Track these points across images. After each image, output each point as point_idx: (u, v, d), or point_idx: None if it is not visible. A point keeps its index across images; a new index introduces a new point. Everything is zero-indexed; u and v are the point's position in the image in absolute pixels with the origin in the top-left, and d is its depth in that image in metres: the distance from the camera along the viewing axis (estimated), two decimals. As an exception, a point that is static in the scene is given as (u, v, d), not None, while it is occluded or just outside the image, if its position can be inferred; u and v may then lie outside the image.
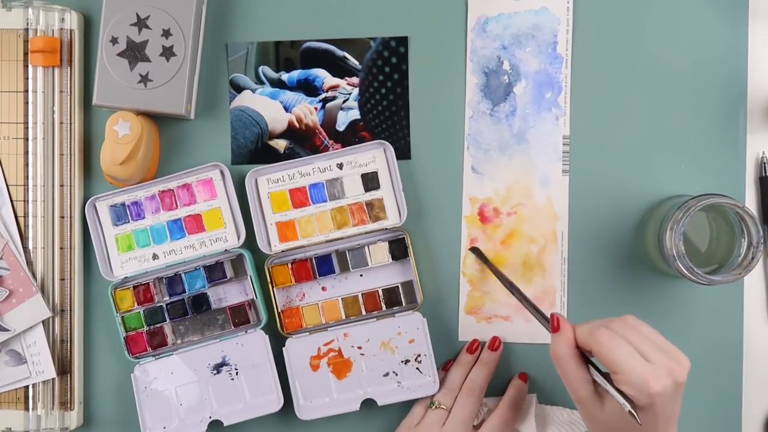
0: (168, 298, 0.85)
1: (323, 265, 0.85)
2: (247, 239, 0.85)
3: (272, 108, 0.87)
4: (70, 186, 0.85)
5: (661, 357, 0.66)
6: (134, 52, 0.82)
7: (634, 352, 0.66)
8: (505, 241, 0.86)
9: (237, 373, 0.84)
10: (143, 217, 0.85)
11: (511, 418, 0.82)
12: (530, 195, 0.86)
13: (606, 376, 0.68)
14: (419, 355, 0.84)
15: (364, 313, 0.86)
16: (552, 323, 0.71)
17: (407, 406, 0.85)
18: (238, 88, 0.87)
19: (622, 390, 0.66)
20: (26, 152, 0.84)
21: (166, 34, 0.82)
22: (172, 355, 0.85)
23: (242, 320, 0.85)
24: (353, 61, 0.87)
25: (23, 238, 0.84)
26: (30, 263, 0.84)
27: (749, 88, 0.86)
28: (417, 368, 0.84)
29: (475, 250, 0.85)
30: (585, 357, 0.70)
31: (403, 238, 0.85)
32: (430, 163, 0.87)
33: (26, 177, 0.85)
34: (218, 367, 0.85)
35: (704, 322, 0.85)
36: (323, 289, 0.86)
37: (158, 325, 0.85)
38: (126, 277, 0.85)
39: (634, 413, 0.65)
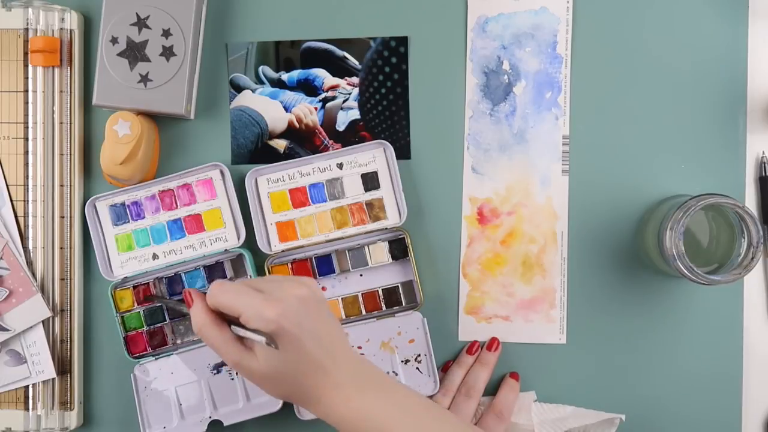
0: (168, 298, 0.85)
1: (323, 265, 0.85)
2: (247, 239, 0.85)
3: (272, 108, 0.87)
4: (70, 186, 0.85)
5: (274, 285, 0.68)
6: (134, 52, 0.82)
7: (246, 289, 0.67)
8: (505, 241, 0.86)
9: (237, 373, 0.84)
10: (143, 217, 0.85)
11: (505, 414, 0.82)
12: (530, 195, 0.86)
13: (236, 324, 0.69)
14: (419, 355, 0.84)
15: (364, 313, 0.86)
16: (186, 300, 0.72)
17: (407, 406, 0.85)
18: (238, 88, 0.87)
19: (252, 328, 0.66)
20: (26, 152, 0.84)
21: (166, 34, 0.82)
22: (172, 355, 0.85)
23: (242, 320, 0.85)
24: (353, 61, 0.87)
25: (23, 238, 0.84)
26: (30, 263, 0.84)
27: (749, 88, 0.86)
28: (417, 368, 0.84)
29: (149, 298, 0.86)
30: (225, 321, 0.70)
31: (403, 238, 0.85)
32: (430, 163, 0.87)
33: (26, 177, 0.85)
34: (218, 367, 0.85)
35: (704, 322, 0.85)
36: (323, 289, 0.86)
37: (158, 325, 0.85)
38: (126, 277, 0.85)
39: (266, 338, 0.65)
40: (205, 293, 0.71)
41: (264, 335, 0.66)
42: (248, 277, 0.84)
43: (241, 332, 0.68)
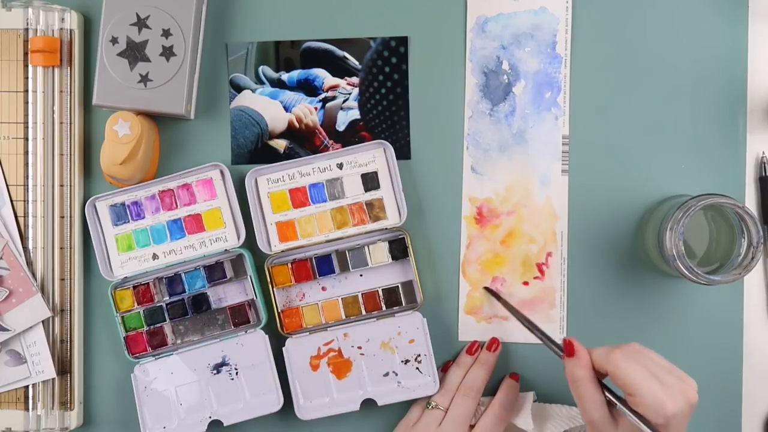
0: (168, 298, 0.85)
1: (323, 265, 0.85)
2: (247, 239, 0.85)
3: (272, 108, 0.87)
4: (70, 186, 0.85)
5: (673, 379, 0.68)
6: (134, 52, 0.82)
7: (649, 374, 0.68)
8: (504, 241, 0.86)
9: (237, 373, 0.84)
10: (143, 217, 0.85)
11: (505, 415, 0.82)
12: (530, 195, 0.86)
13: (619, 399, 0.70)
14: (419, 355, 0.84)
15: (364, 313, 0.86)
16: (566, 348, 0.73)
17: (407, 406, 0.85)
18: (238, 88, 0.87)
19: (639, 410, 0.68)
20: (26, 152, 0.85)
21: (166, 34, 0.82)
22: (172, 355, 0.85)
23: (242, 320, 0.85)
24: (353, 61, 0.87)
25: (23, 238, 0.85)
26: (30, 263, 0.84)
27: (749, 88, 0.86)
28: (417, 368, 0.84)
29: (488, 290, 0.86)
30: (599, 380, 0.72)
31: (403, 238, 0.85)
32: (430, 163, 0.87)
33: (26, 177, 0.85)
34: (218, 367, 0.85)
35: (704, 322, 0.85)
36: (323, 289, 0.86)
37: (158, 325, 0.85)
38: (126, 277, 0.85)
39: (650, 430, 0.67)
40: (583, 346, 0.72)
41: (647, 425, 0.67)
42: (248, 277, 0.84)
43: (626, 412, 0.69)
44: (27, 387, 0.85)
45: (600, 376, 0.72)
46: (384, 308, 0.86)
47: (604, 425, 0.70)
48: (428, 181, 0.87)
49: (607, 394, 0.71)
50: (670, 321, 0.86)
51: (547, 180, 0.86)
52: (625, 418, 0.69)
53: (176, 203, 0.85)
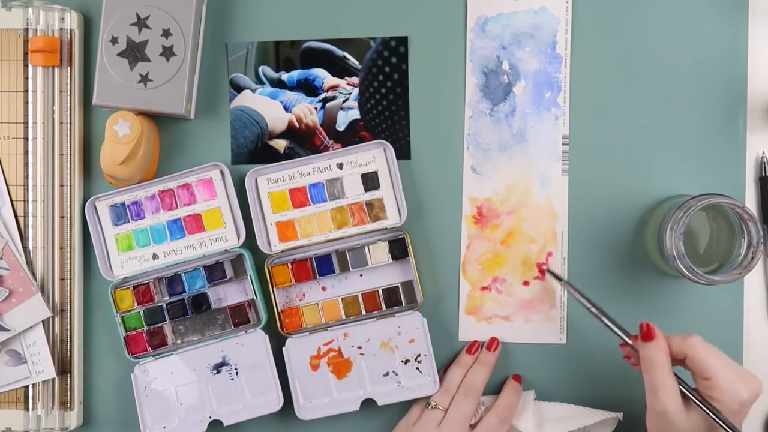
0: (168, 298, 0.85)
1: (323, 265, 0.85)
2: (247, 239, 0.85)
3: (272, 108, 0.87)
4: (70, 186, 0.85)
5: (743, 370, 0.70)
6: (134, 52, 0.82)
7: (726, 360, 0.70)
8: (504, 241, 0.86)
9: (237, 373, 0.84)
10: (143, 217, 0.85)
11: (507, 417, 0.82)
12: (530, 195, 0.86)
13: (691, 391, 0.71)
14: (419, 355, 0.84)
15: (364, 313, 0.86)
16: (646, 333, 0.72)
17: (407, 406, 0.85)
18: (238, 88, 0.87)
19: (712, 396, 0.69)
20: (26, 152, 0.85)
21: (166, 34, 0.82)
22: (172, 355, 0.85)
23: (242, 320, 0.85)
24: (353, 61, 0.87)
25: (23, 238, 0.85)
26: (30, 263, 0.84)
27: (749, 88, 0.86)
28: (417, 368, 0.84)
29: (549, 272, 0.86)
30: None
31: (403, 238, 0.85)
32: (430, 163, 0.87)
33: (26, 177, 0.85)
34: (218, 367, 0.85)
35: (704, 322, 0.85)
36: (323, 288, 0.86)
37: (158, 325, 0.85)
38: (126, 277, 0.85)
39: (732, 428, 0.68)
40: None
41: (720, 417, 0.68)
42: (248, 277, 0.84)
43: (696, 399, 0.70)
44: (27, 387, 0.85)
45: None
46: (384, 308, 0.86)
47: (677, 415, 0.70)
48: (428, 181, 0.87)
49: (682, 386, 0.71)
50: (670, 321, 0.85)
51: (547, 180, 0.86)
52: (695, 408, 0.70)
53: (176, 203, 0.85)
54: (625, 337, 0.76)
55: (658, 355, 0.72)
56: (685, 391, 0.71)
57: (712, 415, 0.69)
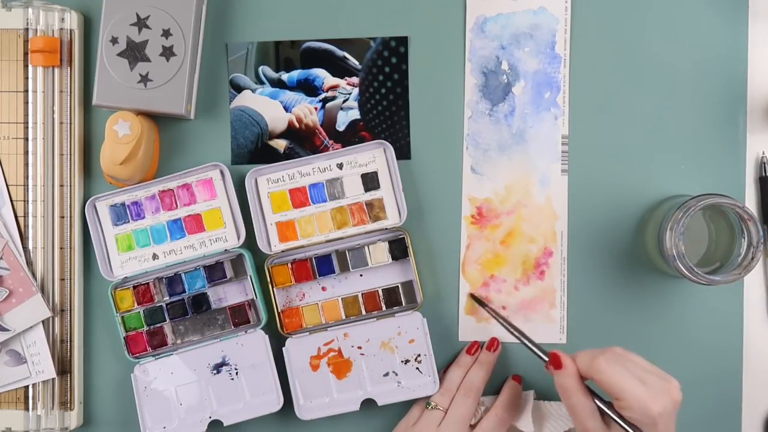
0: (168, 298, 0.85)
1: (323, 265, 0.85)
2: (247, 239, 0.85)
3: (272, 108, 0.87)
4: (70, 186, 0.85)
5: (656, 379, 0.70)
6: (134, 52, 0.82)
7: (632, 377, 0.69)
8: (504, 241, 0.86)
9: (237, 373, 0.84)
10: (143, 217, 0.85)
11: (506, 417, 0.82)
12: (529, 195, 0.86)
13: (608, 405, 0.72)
14: (419, 355, 0.84)
15: (364, 313, 0.86)
16: (554, 362, 0.74)
17: (407, 406, 0.85)
18: (238, 88, 0.87)
19: (625, 415, 0.69)
20: (26, 152, 0.85)
21: (166, 34, 0.82)
22: (172, 355, 0.85)
23: (242, 320, 0.85)
24: (353, 61, 0.87)
25: (23, 238, 0.85)
26: (30, 263, 0.84)
27: (749, 88, 0.86)
28: (417, 368, 0.84)
29: (473, 297, 0.87)
30: (588, 388, 0.73)
31: (403, 238, 0.85)
32: (430, 163, 0.87)
33: (26, 177, 0.85)
34: (218, 367, 0.85)
35: (704, 322, 0.85)
36: (323, 289, 0.86)
37: (158, 325, 0.85)
38: (126, 277, 0.85)
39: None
40: (569, 356, 0.74)
41: (631, 427, 0.69)
42: (248, 277, 0.84)
43: (615, 419, 0.70)
44: (27, 387, 0.85)
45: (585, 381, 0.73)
46: (384, 308, 0.86)
47: None
48: (428, 181, 0.87)
49: (597, 402, 0.72)
50: (670, 321, 0.86)
51: (547, 180, 0.86)
52: (615, 425, 0.71)
53: (176, 203, 0.85)
54: (543, 358, 0.76)
55: (566, 381, 0.73)
56: (603, 408, 0.72)
57: (627, 428, 0.69)
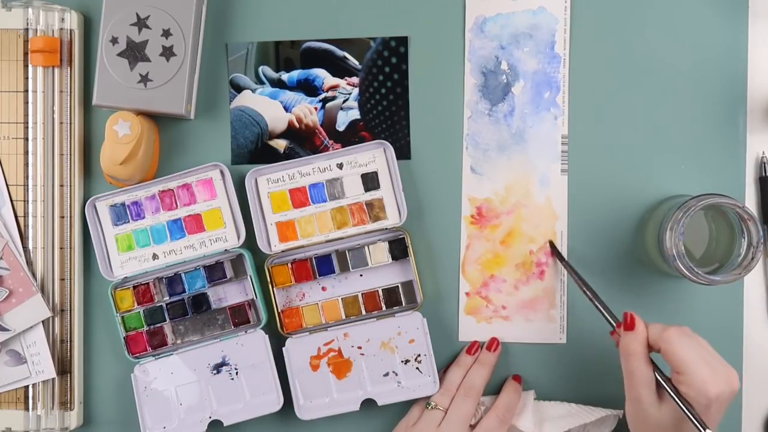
0: (168, 298, 0.85)
1: (323, 265, 0.85)
2: (247, 239, 0.85)
3: (272, 108, 0.87)
4: (70, 186, 0.85)
5: (719, 365, 0.70)
6: (134, 52, 0.82)
7: (699, 355, 0.70)
8: (504, 241, 0.86)
9: (237, 373, 0.84)
10: (143, 217, 0.85)
11: (506, 417, 0.82)
12: (529, 195, 0.86)
13: (665, 379, 0.71)
14: (419, 355, 0.84)
15: (364, 313, 0.86)
16: (626, 321, 0.74)
17: (407, 406, 0.85)
18: (238, 88, 0.87)
19: (681, 390, 0.69)
20: (26, 152, 0.85)
21: (166, 34, 0.82)
22: (172, 355, 0.85)
23: (242, 320, 0.85)
24: (353, 61, 0.87)
25: (23, 238, 0.85)
26: (30, 263, 0.84)
27: (749, 88, 0.86)
28: (417, 368, 0.84)
29: (552, 245, 0.86)
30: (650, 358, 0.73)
31: (403, 238, 0.85)
32: (430, 163, 0.87)
33: (26, 177, 0.85)
34: (218, 367, 0.85)
35: (704, 322, 0.85)
36: (323, 289, 0.86)
37: (158, 325, 0.85)
38: (126, 277, 0.85)
39: (700, 423, 0.68)
40: (642, 321, 0.74)
41: (685, 404, 0.69)
42: (248, 277, 0.84)
43: (669, 389, 0.70)
44: (27, 387, 0.85)
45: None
46: (384, 308, 0.86)
47: (649, 404, 0.72)
48: (428, 181, 0.87)
49: (657, 374, 0.72)
50: (670, 321, 0.85)
51: (547, 180, 0.86)
52: (668, 399, 0.70)
53: (176, 203, 0.85)
54: (612, 322, 0.77)
55: (633, 345, 0.72)
56: (660, 380, 0.71)
57: (682, 407, 0.69)
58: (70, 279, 0.85)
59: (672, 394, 0.70)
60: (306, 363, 0.85)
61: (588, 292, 0.80)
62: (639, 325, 0.73)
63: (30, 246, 0.85)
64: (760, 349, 0.86)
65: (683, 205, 0.76)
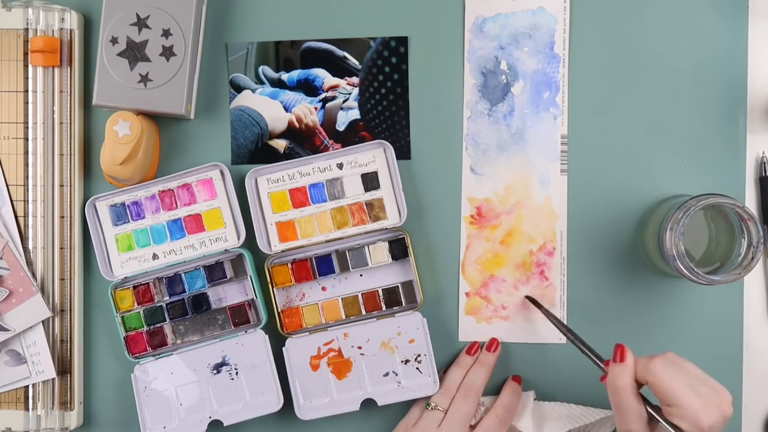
0: (168, 298, 0.85)
1: (323, 265, 0.85)
2: (247, 239, 0.85)
3: (272, 108, 0.87)
4: (70, 186, 0.85)
5: (709, 391, 0.68)
6: (134, 52, 0.82)
7: (686, 385, 0.68)
8: (504, 241, 0.86)
9: (237, 373, 0.84)
10: (143, 217, 0.85)
11: (506, 418, 0.82)
12: (529, 195, 0.86)
13: (656, 409, 0.70)
14: (419, 355, 0.84)
15: (364, 313, 0.86)
16: (617, 353, 0.72)
17: (407, 406, 0.85)
18: (238, 88, 0.87)
19: (675, 423, 0.68)
20: (26, 152, 0.85)
21: (166, 34, 0.82)
22: (172, 355, 0.85)
23: (242, 320, 0.85)
24: (353, 61, 0.87)
25: (23, 238, 0.85)
26: (30, 263, 0.84)
27: (749, 88, 0.85)
28: (417, 368, 0.84)
29: (529, 299, 0.86)
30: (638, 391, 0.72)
31: (403, 238, 0.85)
32: (429, 163, 0.87)
33: (26, 177, 0.85)
34: (218, 367, 0.85)
35: (704, 322, 0.85)
36: (323, 289, 0.86)
37: (158, 325, 0.85)
38: (126, 277, 0.85)
39: None
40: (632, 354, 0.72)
41: None
42: (248, 277, 0.84)
43: (662, 421, 0.69)
44: (27, 387, 0.85)
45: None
46: (384, 308, 0.86)
47: None
48: (428, 181, 0.87)
49: (647, 407, 0.70)
50: (670, 321, 0.85)
51: (546, 180, 0.86)
52: (661, 430, 0.69)
53: (176, 203, 0.85)
54: (599, 363, 0.76)
55: (621, 378, 0.71)
56: (653, 414, 0.70)
57: None
58: (70, 279, 0.85)
59: (666, 425, 0.68)
60: (306, 363, 0.85)
61: (576, 341, 0.79)
62: (629, 357, 0.71)
63: (30, 246, 0.85)
64: (760, 350, 0.86)
65: (683, 205, 0.76)
